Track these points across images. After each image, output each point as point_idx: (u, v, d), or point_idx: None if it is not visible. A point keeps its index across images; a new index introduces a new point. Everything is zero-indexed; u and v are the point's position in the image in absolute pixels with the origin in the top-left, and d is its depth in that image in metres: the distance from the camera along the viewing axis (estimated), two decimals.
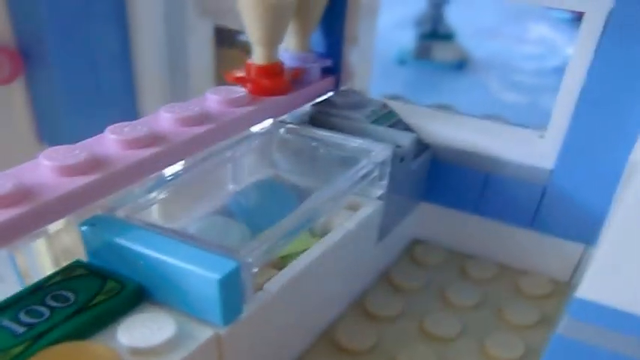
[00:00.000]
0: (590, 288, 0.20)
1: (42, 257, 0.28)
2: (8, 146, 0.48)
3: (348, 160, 0.32)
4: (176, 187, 0.29)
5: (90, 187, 0.24)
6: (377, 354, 0.31)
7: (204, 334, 0.23)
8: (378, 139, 0.34)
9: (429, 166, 0.38)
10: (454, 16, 0.96)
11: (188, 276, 0.23)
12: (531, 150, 0.36)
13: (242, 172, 0.34)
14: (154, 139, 0.27)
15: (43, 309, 0.22)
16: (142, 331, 0.22)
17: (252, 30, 0.33)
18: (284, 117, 0.36)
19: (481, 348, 0.32)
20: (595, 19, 0.31)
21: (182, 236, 0.24)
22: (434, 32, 0.94)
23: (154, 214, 0.27)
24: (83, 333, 0.22)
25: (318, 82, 0.38)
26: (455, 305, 0.35)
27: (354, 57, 0.40)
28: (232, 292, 0.23)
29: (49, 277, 0.24)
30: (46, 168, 0.24)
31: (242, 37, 0.54)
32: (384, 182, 0.33)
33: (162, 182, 0.28)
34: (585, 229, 0.35)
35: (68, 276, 0.24)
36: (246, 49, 0.36)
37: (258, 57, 0.34)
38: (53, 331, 0.21)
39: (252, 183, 0.34)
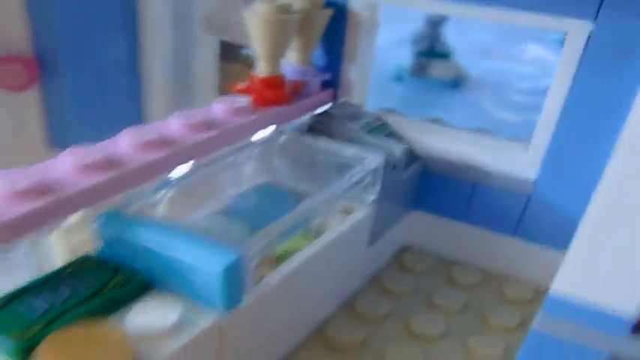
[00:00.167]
0: (562, 284, 0.20)
1: (56, 249, 0.29)
2: (20, 151, 0.49)
3: (343, 167, 0.34)
4: (183, 188, 0.30)
5: (106, 183, 0.26)
6: (365, 351, 0.33)
7: (206, 320, 0.25)
8: (372, 148, 0.36)
9: (419, 176, 0.40)
10: (451, 36, 0.97)
11: (194, 266, 0.25)
12: (516, 161, 0.37)
13: (244, 176, 0.36)
14: (164, 142, 0.29)
15: (56, 296, 0.24)
16: (149, 316, 0.24)
17: (258, 45, 0.35)
18: (284, 126, 0.38)
19: (464, 347, 0.33)
20: (576, 39, 0.33)
21: (188, 231, 0.26)
22: (431, 50, 0.94)
23: (162, 212, 0.29)
24: (94, 317, 0.23)
25: (317, 95, 0.40)
26: (440, 308, 0.37)
27: (352, 73, 0.42)
28: (234, 282, 0.25)
29: (63, 269, 0.26)
30: (68, 165, 0.26)
31: (244, 52, 0.56)
32: (376, 188, 0.35)
33: (170, 182, 0.30)
34: (566, 237, 0.36)
35: (79, 267, 0.26)
36: (247, 64, 0.38)
37: (261, 69, 0.36)
38: (66, 315, 0.23)
39: (253, 186, 0.36)
